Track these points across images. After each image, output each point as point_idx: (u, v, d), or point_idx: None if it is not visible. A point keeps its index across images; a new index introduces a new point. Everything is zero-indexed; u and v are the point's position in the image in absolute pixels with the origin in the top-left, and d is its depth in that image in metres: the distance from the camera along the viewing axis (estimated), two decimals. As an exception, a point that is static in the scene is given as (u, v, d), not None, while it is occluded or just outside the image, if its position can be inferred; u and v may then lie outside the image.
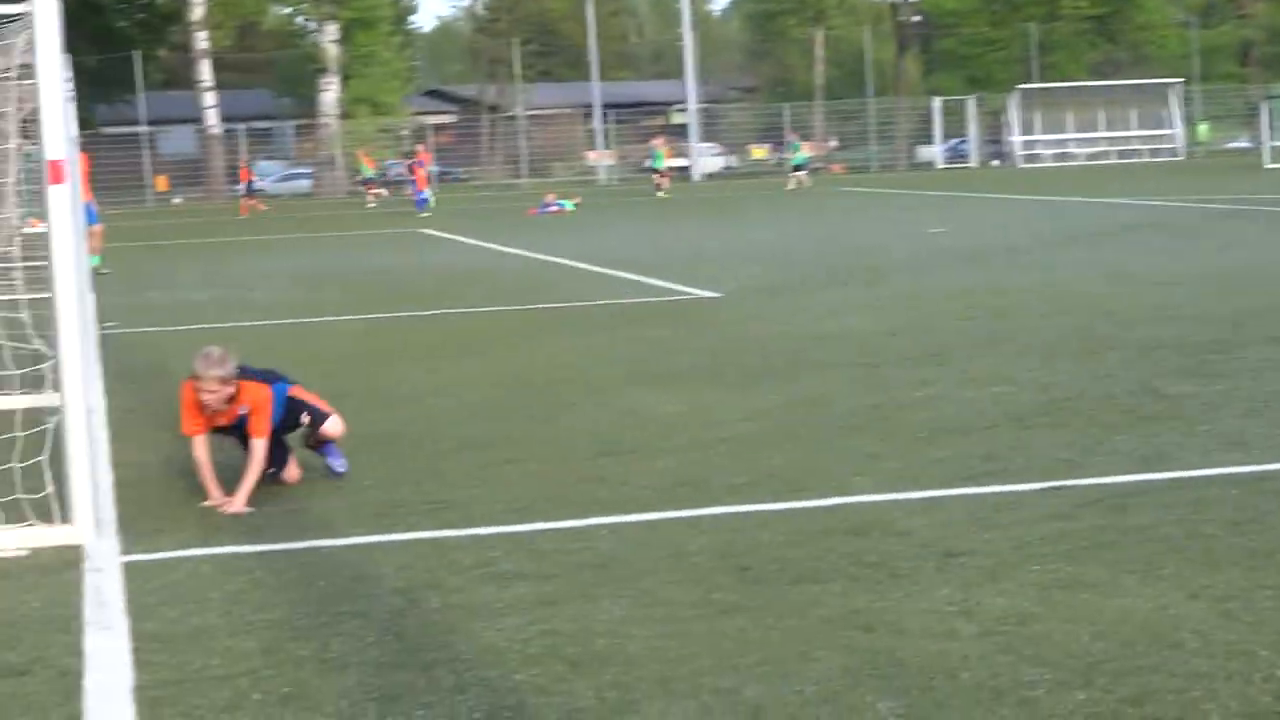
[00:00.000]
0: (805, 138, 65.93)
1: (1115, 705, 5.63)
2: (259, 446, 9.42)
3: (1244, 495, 8.63)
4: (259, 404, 9.46)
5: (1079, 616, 6.64)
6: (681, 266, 24.97)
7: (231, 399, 9.46)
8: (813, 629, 6.61)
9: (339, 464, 10.01)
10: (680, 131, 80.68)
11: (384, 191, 57.46)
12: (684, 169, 74.66)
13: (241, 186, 56.98)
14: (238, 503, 9.17)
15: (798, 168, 57.96)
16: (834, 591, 7.14)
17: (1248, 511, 8.27)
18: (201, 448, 9.48)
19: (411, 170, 52.67)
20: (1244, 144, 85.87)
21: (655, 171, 57.22)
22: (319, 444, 10.04)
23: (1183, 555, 7.52)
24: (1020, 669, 6.03)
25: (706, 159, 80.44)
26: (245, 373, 9.70)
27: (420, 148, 61.57)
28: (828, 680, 5.98)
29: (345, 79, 72.95)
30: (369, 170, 59.10)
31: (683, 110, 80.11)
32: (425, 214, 47.34)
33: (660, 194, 55.36)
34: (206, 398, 9.38)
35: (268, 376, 9.87)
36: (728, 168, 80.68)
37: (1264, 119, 68.33)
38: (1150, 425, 10.68)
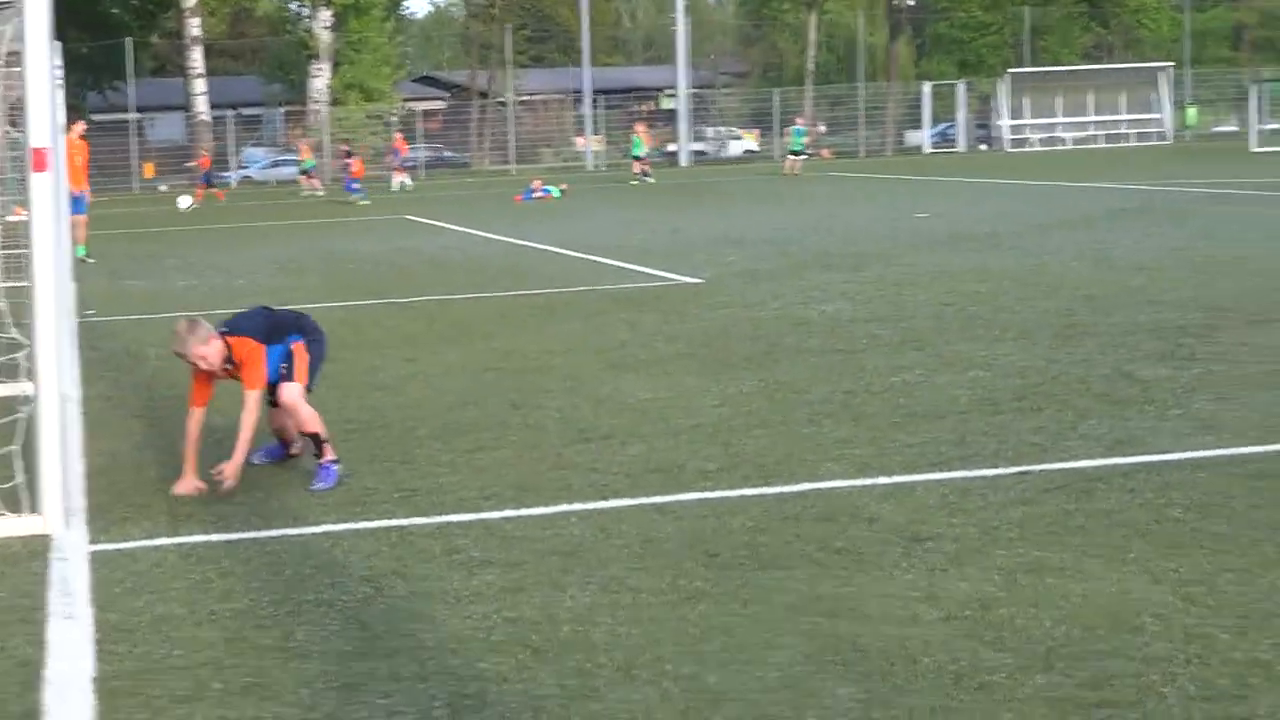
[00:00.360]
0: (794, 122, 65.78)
1: (1073, 690, 5.64)
2: (250, 399, 9.34)
3: (1212, 479, 8.65)
4: (247, 358, 9.38)
5: (1042, 601, 6.66)
6: (665, 252, 24.96)
7: (229, 360, 9.41)
8: (777, 615, 6.62)
9: (321, 483, 9.37)
10: (669, 117, 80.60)
11: (317, 184, 56.87)
12: (672, 154, 74.63)
13: (202, 176, 56.39)
14: (233, 462, 9.16)
15: (796, 152, 57.97)
16: (800, 578, 7.15)
17: (1215, 495, 8.29)
18: (195, 421, 9.44)
19: (347, 155, 52.50)
20: (1232, 128, 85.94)
21: (635, 159, 57.08)
22: (314, 445, 9.59)
23: (1148, 539, 7.53)
24: (981, 654, 6.04)
25: (728, 142, 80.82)
26: (270, 316, 9.74)
27: (398, 135, 61.40)
28: (789, 666, 5.99)
29: (336, 65, 72.81)
30: (308, 160, 58.59)
31: (672, 95, 80.00)
32: (365, 202, 47.26)
33: (634, 182, 55.17)
34: (202, 365, 9.35)
35: (293, 323, 9.81)
36: (747, 152, 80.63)
37: (1252, 103, 68.33)
38: (1122, 409, 10.69)
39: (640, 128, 59.45)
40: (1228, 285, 17.24)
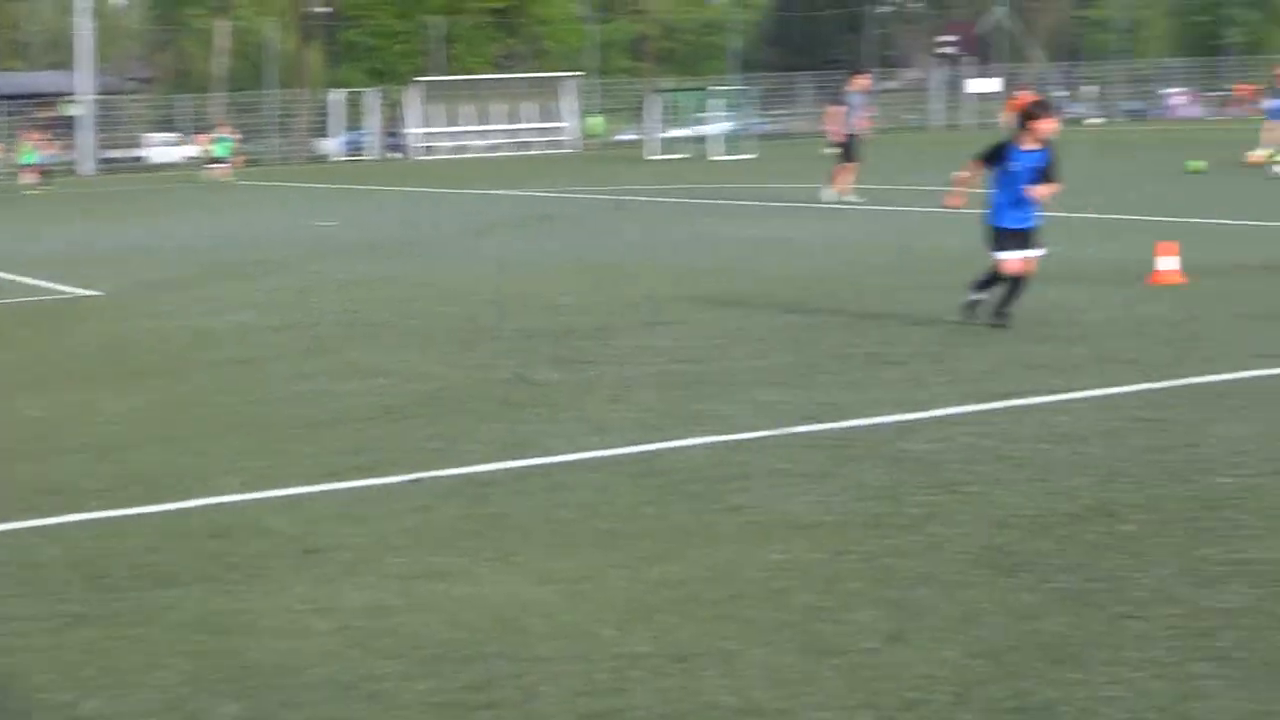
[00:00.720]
0: (207, 129, 64.68)
1: (459, 693, 5.70)
2: None
3: (601, 478, 8.91)
4: None
5: (433, 607, 6.70)
6: (62, 264, 24.08)
7: None
8: (163, 636, 6.45)
9: None
10: (68, 124, 77.91)
11: None
12: (69, 163, 72.18)
13: None
14: None
15: (218, 160, 57.15)
16: (190, 596, 6.99)
17: (603, 494, 8.54)
18: None
19: None
20: (633, 136, 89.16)
21: (25, 167, 54.92)
22: None
23: (538, 540, 7.69)
24: (370, 662, 6.04)
25: (162, 149, 78.48)
26: None
27: None
28: (173, 687, 5.85)
29: None
30: None
31: (74, 102, 77.36)
32: None
33: (29, 191, 53.03)
34: None
35: None
36: (189, 158, 78.13)
37: (648, 111, 71.04)
38: (518, 413, 10.90)
39: (29, 135, 57.15)
40: (622, 290, 17.82)
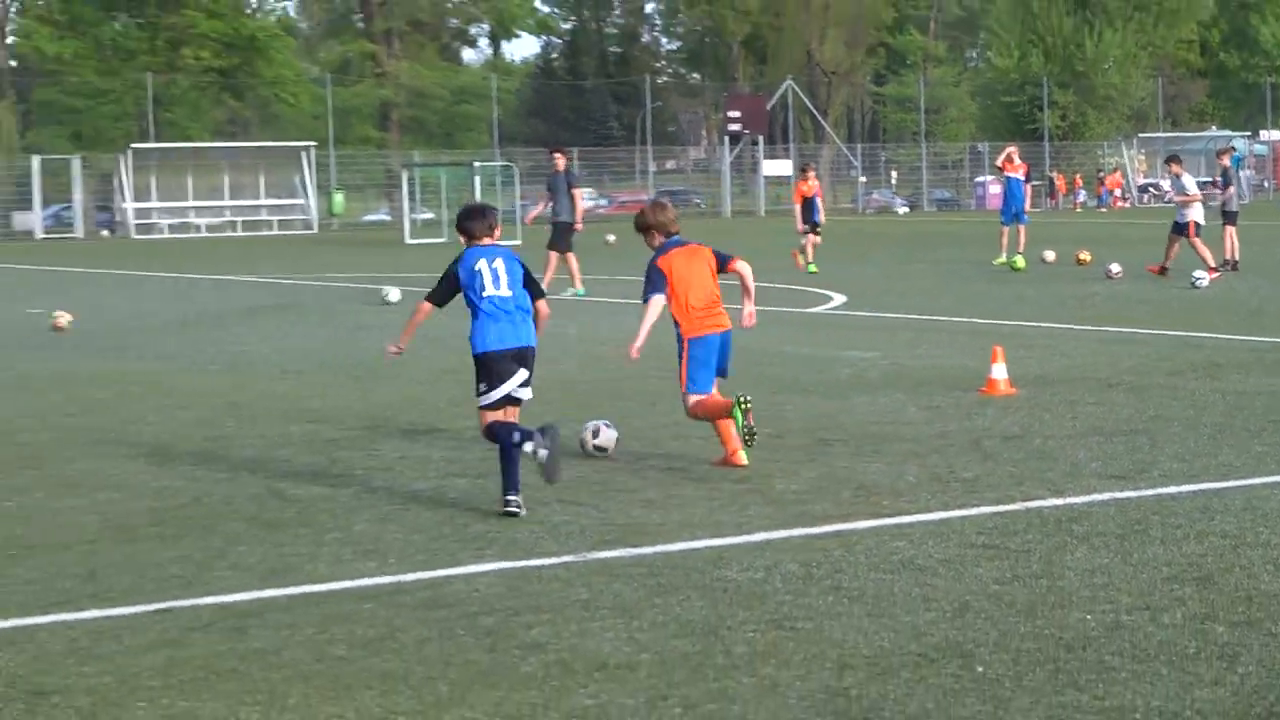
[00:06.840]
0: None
1: None
2: None
3: (377, 609, 8.84)
4: None
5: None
6: None
7: None
8: None
9: None
10: None
11: None
12: None
13: None
14: None
15: None
16: (-107, 749, 6.67)
17: (381, 628, 8.47)
18: None
19: None
20: (384, 215, 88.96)
21: None
22: None
23: (310, 681, 7.59)
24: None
25: None
26: None
27: None
28: None
29: None
30: None
31: None
32: None
33: None
34: None
35: None
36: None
37: (405, 189, 70.98)
38: (275, 533, 10.78)
39: None
40: (381, 392, 17.70)
